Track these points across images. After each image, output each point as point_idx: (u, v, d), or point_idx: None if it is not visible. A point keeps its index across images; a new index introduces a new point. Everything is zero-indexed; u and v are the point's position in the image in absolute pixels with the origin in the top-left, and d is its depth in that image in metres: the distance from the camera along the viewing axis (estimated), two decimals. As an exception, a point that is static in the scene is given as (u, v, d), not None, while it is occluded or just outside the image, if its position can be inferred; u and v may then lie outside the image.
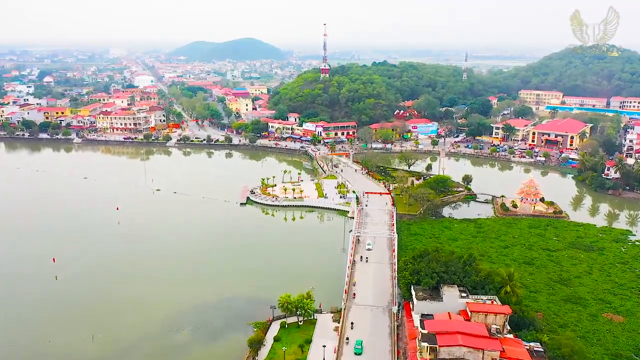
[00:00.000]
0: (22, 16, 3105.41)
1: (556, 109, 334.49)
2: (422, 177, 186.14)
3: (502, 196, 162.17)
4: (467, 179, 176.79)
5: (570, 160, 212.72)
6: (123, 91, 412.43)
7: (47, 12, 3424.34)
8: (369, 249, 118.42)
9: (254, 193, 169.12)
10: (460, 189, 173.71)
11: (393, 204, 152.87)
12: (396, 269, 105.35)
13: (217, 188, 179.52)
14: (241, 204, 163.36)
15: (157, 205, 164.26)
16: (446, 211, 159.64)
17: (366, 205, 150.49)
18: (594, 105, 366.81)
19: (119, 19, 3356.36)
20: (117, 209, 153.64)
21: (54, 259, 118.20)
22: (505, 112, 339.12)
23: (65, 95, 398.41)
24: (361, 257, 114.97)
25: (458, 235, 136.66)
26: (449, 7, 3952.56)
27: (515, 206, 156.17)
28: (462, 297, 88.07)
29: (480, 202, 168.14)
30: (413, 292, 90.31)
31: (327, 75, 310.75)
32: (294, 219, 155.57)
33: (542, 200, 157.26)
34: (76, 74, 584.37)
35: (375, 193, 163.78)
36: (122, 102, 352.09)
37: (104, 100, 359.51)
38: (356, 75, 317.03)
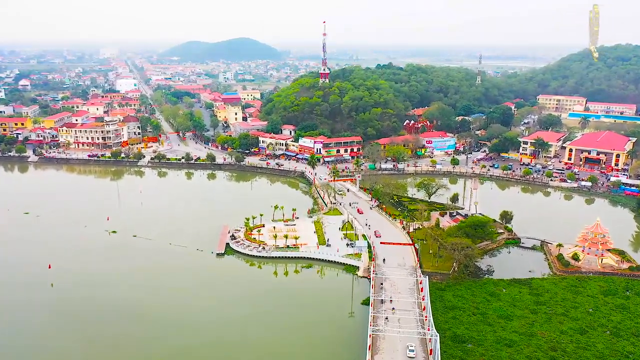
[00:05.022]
0: (21, 16, 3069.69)
1: (586, 118, 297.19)
2: (447, 212, 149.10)
3: (559, 245, 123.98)
4: (507, 217, 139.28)
5: (624, 186, 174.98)
6: (102, 96, 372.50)
7: (47, 12, 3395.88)
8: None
9: (235, 238, 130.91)
10: (500, 230, 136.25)
11: (420, 268, 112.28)
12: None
13: (191, 226, 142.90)
14: (218, 254, 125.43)
15: (107, 258, 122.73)
16: (484, 262, 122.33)
17: (384, 265, 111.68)
18: (621, 113, 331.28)
19: (117, 19, 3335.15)
20: (50, 267, 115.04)
21: None
22: (526, 121, 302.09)
23: (38, 101, 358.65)
24: None
25: (511, 310, 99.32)
26: (446, 7, 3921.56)
27: (576, 258, 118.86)
28: None
29: (526, 247, 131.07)
30: None
31: (327, 80, 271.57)
32: (286, 273, 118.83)
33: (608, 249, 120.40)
34: (57, 77, 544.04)
35: (393, 244, 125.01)
36: (98, 109, 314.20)
37: (77, 107, 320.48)
38: (360, 80, 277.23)
